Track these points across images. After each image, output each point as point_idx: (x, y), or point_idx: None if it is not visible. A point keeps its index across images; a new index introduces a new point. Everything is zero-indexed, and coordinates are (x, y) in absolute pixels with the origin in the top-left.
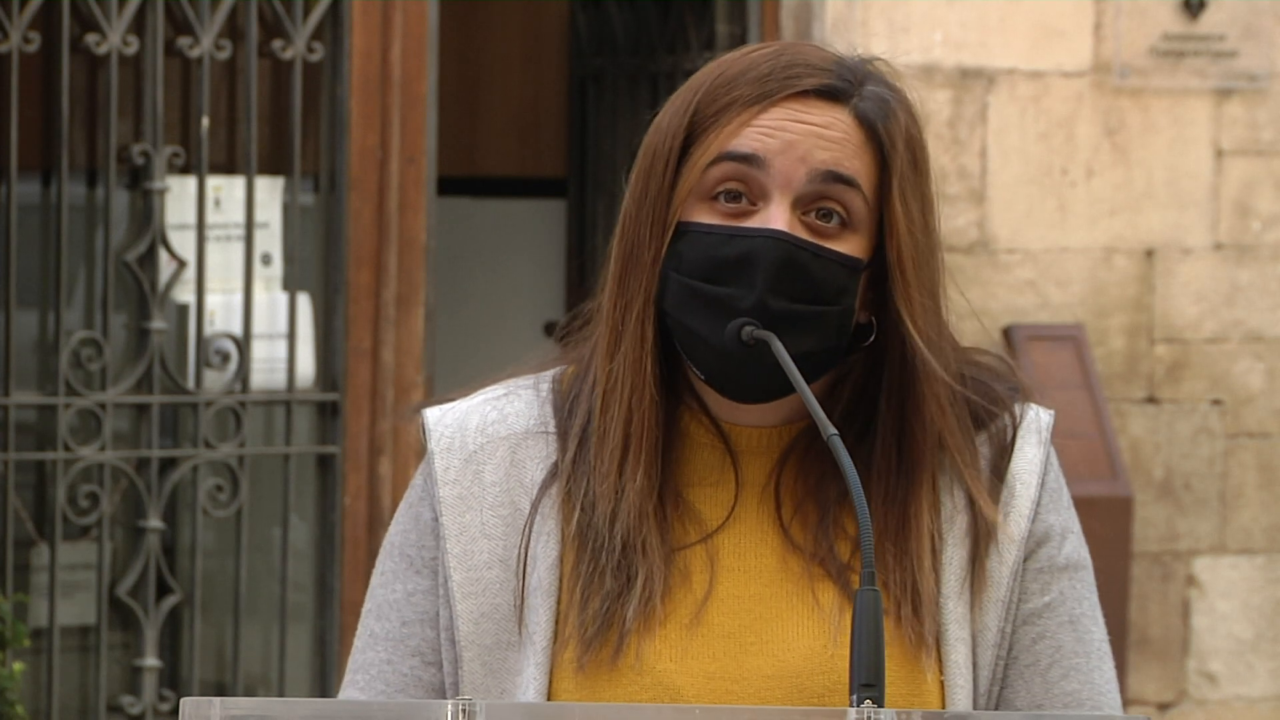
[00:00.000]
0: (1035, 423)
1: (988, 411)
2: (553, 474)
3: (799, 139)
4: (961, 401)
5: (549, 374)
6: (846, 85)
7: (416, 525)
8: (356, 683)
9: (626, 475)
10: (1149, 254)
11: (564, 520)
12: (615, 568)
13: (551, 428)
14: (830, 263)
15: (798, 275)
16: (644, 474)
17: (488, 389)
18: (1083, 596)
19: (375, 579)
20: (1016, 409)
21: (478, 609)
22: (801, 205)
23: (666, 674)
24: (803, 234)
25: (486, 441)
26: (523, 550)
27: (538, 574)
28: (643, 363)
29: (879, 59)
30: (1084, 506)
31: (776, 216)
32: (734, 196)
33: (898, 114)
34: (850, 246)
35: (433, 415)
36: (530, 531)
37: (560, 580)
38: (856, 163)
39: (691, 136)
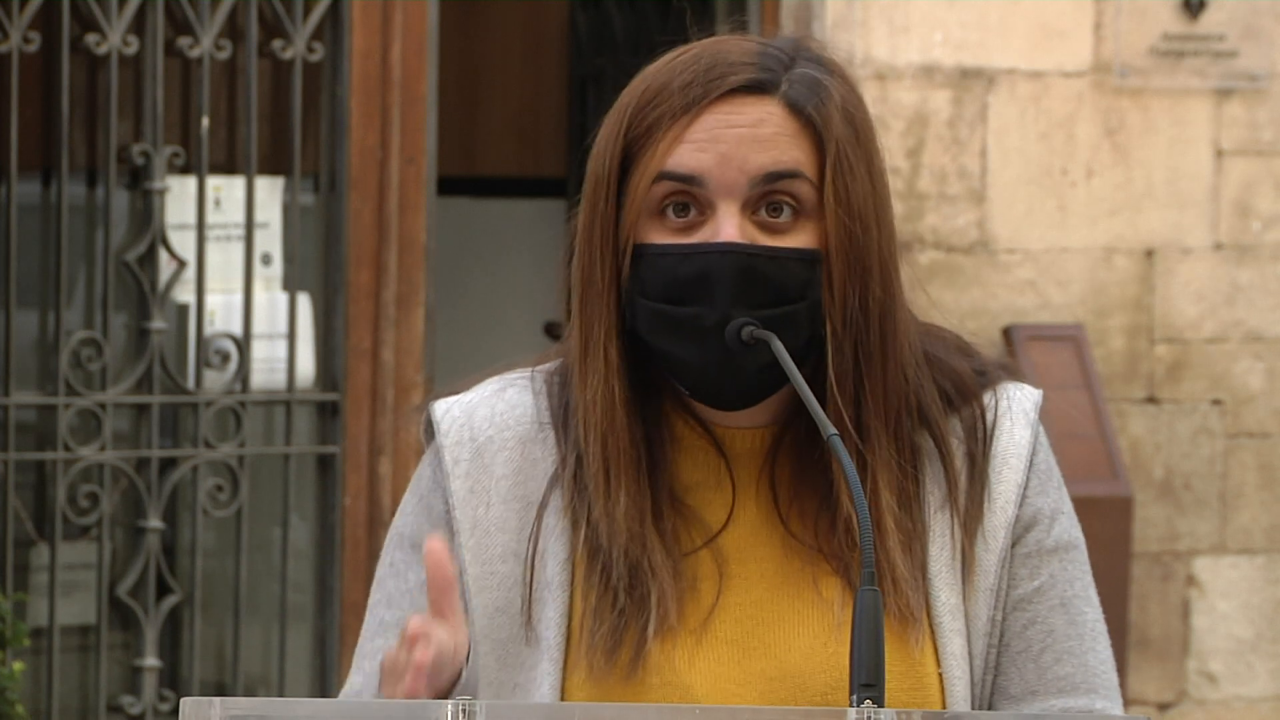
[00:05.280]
0: (1021, 403)
1: (963, 392)
2: (558, 472)
3: (732, 148)
4: (931, 383)
5: (545, 367)
6: (771, 75)
7: (429, 516)
8: (364, 669)
9: (611, 500)
10: (1149, 254)
11: (573, 524)
12: (627, 587)
13: (551, 423)
14: (788, 261)
15: (757, 282)
16: (626, 496)
17: (491, 380)
18: (1074, 578)
19: (383, 570)
20: (995, 389)
21: (492, 603)
22: (750, 206)
23: (678, 674)
24: (756, 234)
25: (495, 434)
26: (532, 546)
27: (549, 570)
28: (610, 385)
29: (809, 38)
30: (1084, 506)
31: (726, 227)
32: (682, 208)
33: (830, 91)
34: (806, 235)
35: (440, 408)
36: (540, 527)
37: (572, 578)
38: (795, 152)
39: (629, 157)
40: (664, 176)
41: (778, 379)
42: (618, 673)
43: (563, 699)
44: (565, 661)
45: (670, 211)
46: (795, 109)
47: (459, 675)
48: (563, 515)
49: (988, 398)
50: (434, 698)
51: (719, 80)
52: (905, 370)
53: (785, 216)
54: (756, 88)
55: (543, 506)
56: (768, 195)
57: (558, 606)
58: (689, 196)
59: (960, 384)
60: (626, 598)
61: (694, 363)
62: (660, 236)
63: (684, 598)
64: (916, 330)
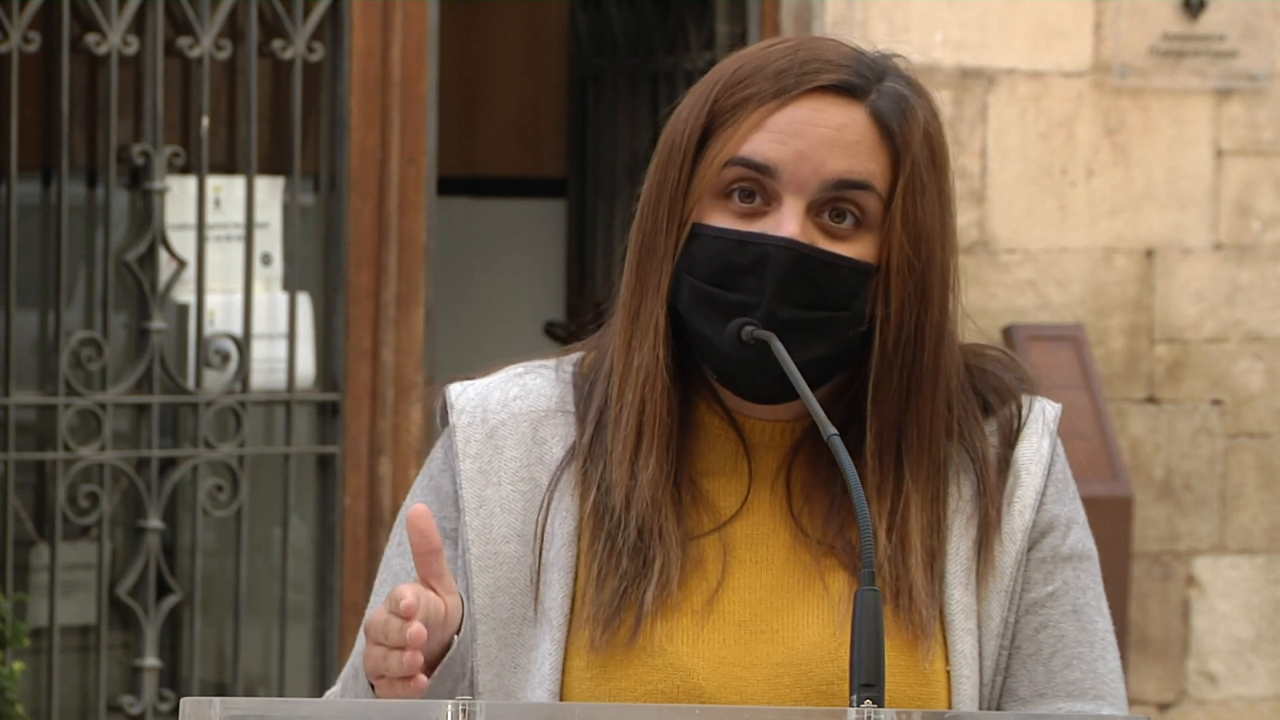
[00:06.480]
0: (1042, 414)
1: (998, 399)
2: (572, 453)
3: (811, 147)
4: (970, 392)
5: (570, 357)
6: (863, 81)
7: (437, 496)
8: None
9: (639, 464)
10: (1149, 254)
11: (582, 498)
12: (632, 551)
13: (571, 408)
14: (840, 269)
15: (806, 282)
16: (655, 462)
17: (511, 367)
18: (1087, 586)
19: (391, 550)
20: (1024, 399)
21: (494, 582)
22: (815, 209)
23: (680, 657)
24: (816, 236)
25: (508, 417)
26: (540, 525)
27: (554, 549)
28: (656, 352)
29: (898, 55)
30: (1084, 506)
31: (788, 222)
32: (748, 194)
33: (915, 111)
34: (863, 248)
35: (455, 390)
36: (549, 507)
37: (577, 557)
38: (870, 164)
39: (709, 131)
40: (738, 162)
41: (807, 381)
42: (618, 643)
43: (563, 675)
44: (567, 642)
45: (736, 195)
46: (881, 120)
47: (450, 641)
48: (572, 490)
49: (1024, 402)
50: (426, 663)
51: (813, 74)
52: (951, 391)
53: (848, 224)
54: (847, 90)
55: (552, 485)
56: (835, 201)
57: (562, 586)
58: (758, 185)
59: (1001, 388)
60: (630, 563)
61: (727, 349)
62: (721, 218)
63: (690, 575)
64: (960, 350)
